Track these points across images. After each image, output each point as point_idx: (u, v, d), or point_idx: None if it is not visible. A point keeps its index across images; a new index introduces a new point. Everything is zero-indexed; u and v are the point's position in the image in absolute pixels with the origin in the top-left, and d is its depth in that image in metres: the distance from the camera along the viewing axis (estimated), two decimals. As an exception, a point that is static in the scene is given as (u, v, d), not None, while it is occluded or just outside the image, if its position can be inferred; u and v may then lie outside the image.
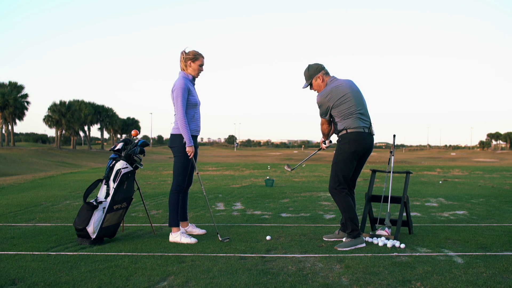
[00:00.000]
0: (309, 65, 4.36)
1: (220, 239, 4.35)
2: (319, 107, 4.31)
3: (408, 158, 66.18)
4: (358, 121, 4.17)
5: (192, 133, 4.44)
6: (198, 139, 4.99)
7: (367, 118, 4.25)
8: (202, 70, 4.54)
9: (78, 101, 73.45)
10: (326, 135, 4.57)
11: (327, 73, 4.33)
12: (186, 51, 4.47)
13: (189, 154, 4.36)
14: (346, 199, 4.18)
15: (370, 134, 4.24)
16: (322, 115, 4.33)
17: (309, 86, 4.41)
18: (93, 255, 3.72)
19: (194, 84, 4.55)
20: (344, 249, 3.99)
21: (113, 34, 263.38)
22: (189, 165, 4.44)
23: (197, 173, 4.60)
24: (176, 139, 4.41)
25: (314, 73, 4.31)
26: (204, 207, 6.69)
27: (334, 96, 4.19)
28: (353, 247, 4.03)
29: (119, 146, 4.50)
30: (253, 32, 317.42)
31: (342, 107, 4.18)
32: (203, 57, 4.51)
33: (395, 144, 4.77)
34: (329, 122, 4.41)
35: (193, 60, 4.45)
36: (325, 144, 4.63)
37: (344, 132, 4.20)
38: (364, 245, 4.11)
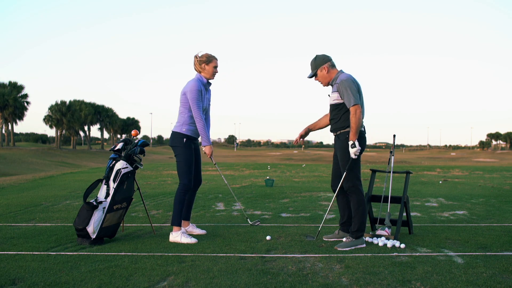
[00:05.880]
0: (316, 55, 4.31)
1: (250, 223, 4.72)
2: (350, 90, 4.07)
3: (408, 158, 66.18)
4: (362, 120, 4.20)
5: (192, 135, 4.47)
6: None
7: None
8: (217, 72, 4.57)
9: (78, 101, 73.44)
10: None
11: (333, 65, 4.28)
12: (199, 55, 4.49)
13: (207, 154, 4.51)
14: (363, 197, 4.19)
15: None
16: (357, 101, 4.05)
17: (314, 77, 4.33)
18: (93, 255, 3.72)
19: (209, 87, 4.60)
20: (344, 249, 3.99)
21: (113, 34, 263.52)
22: (192, 163, 4.47)
23: (215, 164, 4.76)
24: (176, 137, 4.45)
25: (320, 63, 4.25)
26: (204, 207, 6.69)
27: (357, 84, 4.17)
28: (353, 248, 4.03)
29: (119, 146, 4.50)
30: (253, 33, 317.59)
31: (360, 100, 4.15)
32: (216, 59, 4.54)
33: (395, 144, 4.77)
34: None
35: (207, 62, 4.48)
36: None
37: None
38: (364, 245, 4.11)
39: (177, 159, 4.45)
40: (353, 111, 4.04)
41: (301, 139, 4.69)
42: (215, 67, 4.53)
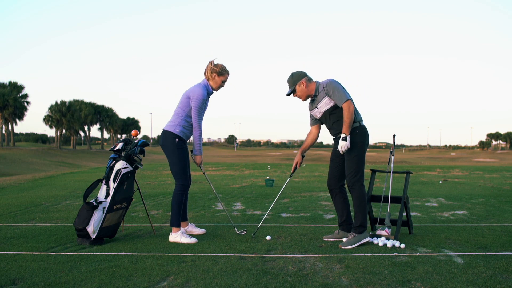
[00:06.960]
0: (292, 72, 4.40)
1: (237, 231, 4.63)
2: (339, 89, 4.19)
3: (408, 158, 66.20)
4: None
5: (184, 138, 4.49)
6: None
7: None
8: (223, 87, 4.58)
9: (78, 101, 73.48)
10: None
11: (310, 79, 4.36)
12: (215, 62, 4.49)
13: (197, 163, 4.51)
14: (365, 193, 4.21)
15: None
16: (348, 97, 4.16)
17: (292, 93, 4.40)
18: (93, 255, 3.72)
19: (209, 97, 4.59)
20: (349, 247, 4.00)
21: (113, 34, 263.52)
22: (185, 162, 4.48)
23: (204, 172, 4.75)
24: (169, 136, 4.45)
25: (297, 79, 4.33)
26: (204, 207, 6.69)
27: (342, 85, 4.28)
28: (357, 244, 4.04)
29: (119, 146, 4.51)
30: (253, 33, 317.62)
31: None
32: (228, 74, 4.55)
33: (395, 144, 4.77)
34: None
35: (218, 74, 4.48)
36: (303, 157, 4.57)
37: (358, 124, 4.23)
38: (368, 239, 4.13)
39: (170, 160, 4.46)
40: (346, 106, 4.12)
41: (300, 163, 4.64)
42: (224, 81, 4.54)
